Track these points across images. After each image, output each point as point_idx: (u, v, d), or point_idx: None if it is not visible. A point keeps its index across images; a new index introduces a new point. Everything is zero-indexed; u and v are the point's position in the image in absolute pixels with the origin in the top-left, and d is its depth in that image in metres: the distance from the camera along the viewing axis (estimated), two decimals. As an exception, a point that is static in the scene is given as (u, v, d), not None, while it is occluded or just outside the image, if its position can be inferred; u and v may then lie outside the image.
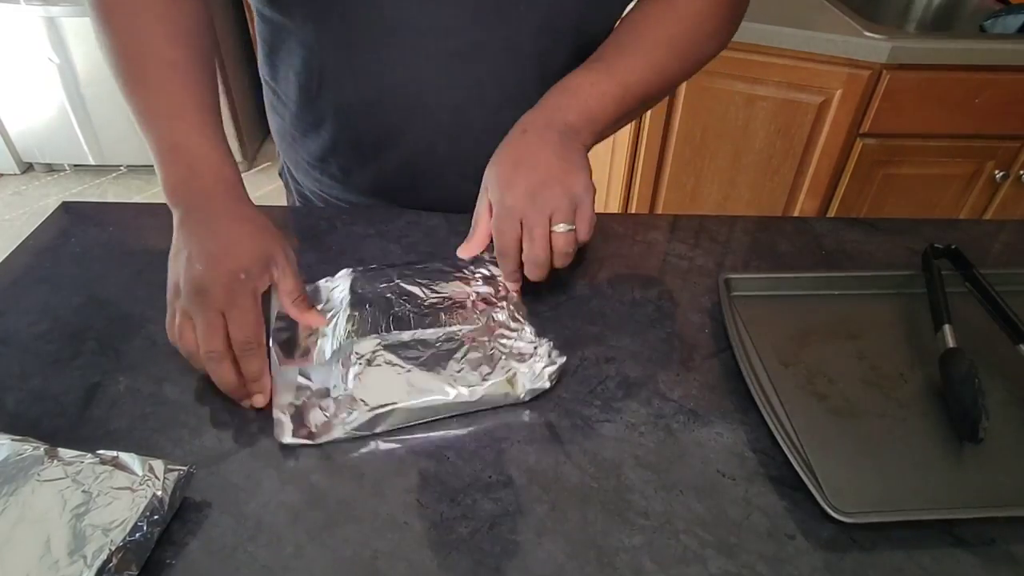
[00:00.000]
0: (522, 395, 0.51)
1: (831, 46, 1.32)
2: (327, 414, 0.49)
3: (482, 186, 0.59)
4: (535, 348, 0.53)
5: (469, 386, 0.50)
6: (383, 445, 0.48)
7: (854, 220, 0.76)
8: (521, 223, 0.55)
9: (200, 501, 0.44)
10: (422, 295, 0.58)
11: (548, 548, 0.42)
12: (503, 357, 0.52)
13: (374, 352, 0.51)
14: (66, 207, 0.73)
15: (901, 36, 1.33)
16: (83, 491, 0.41)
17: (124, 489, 0.41)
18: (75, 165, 2.63)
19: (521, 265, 0.57)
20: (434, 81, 0.65)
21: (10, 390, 0.51)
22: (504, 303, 0.57)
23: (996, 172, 1.45)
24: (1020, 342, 0.56)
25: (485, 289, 0.59)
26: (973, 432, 0.48)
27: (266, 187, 2.50)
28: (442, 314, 0.56)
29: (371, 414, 0.48)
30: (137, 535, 0.39)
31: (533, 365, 0.52)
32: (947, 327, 0.55)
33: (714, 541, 0.43)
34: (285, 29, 0.66)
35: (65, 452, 0.43)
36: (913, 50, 1.30)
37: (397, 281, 0.58)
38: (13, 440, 0.43)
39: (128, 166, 2.64)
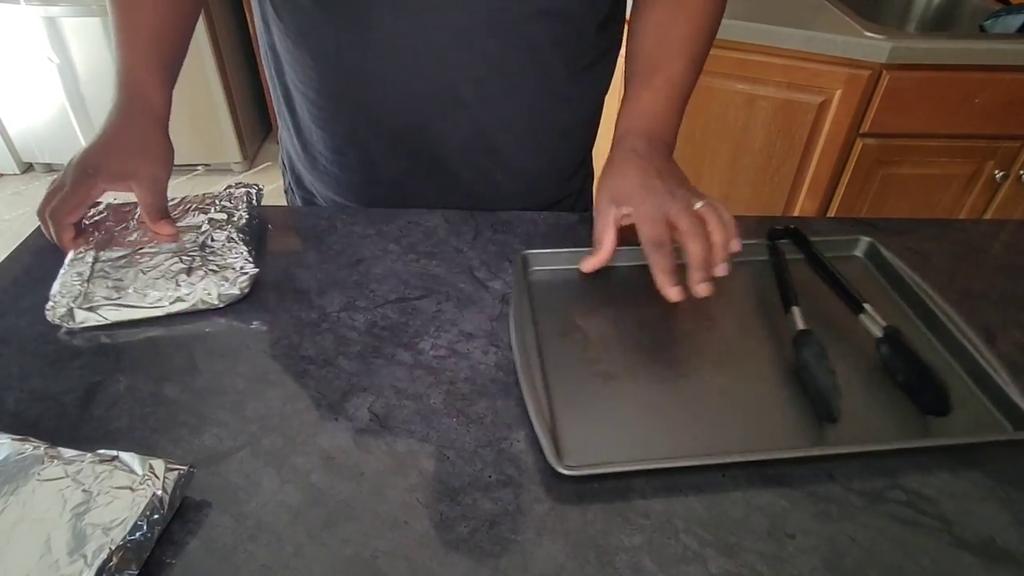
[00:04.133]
0: (218, 301, 0.59)
1: (831, 46, 1.32)
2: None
3: (603, 201, 0.61)
4: (231, 262, 0.61)
5: (161, 293, 0.58)
6: (383, 444, 0.48)
7: (854, 220, 0.76)
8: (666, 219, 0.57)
9: (200, 501, 0.44)
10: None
11: (548, 548, 0.42)
12: (204, 269, 0.60)
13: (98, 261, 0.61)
14: (66, 207, 0.72)
15: (901, 36, 1.33)
16: (83, 490, 0.41)
17: (124, 488, 0.41)
18: (75, 165, 2.63)
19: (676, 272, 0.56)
20: (454, 52, 0.65)
21: (10, 390, 0.51)
22: (231, 227, 0.65)
23: (996, 172, 1.45)
24: (860, 312, 0.57)
25: (220, 216, 0.67)
26: (829, 412, 0.49)
27: (266, 187, 2.50)
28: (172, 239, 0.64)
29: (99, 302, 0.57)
30: (137, 534, 0.39)
31: (227, 273, 0.60)
32: (795, 308, 0.57)
33: (714, 541, 0.43)
34: (300, 11, 0.65)
35: (65, 451, 0.43)
36: (913, 50, 1.30)
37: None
38: (13, 440, 0.44)
39: (128, 166, 2.64)
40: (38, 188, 2.55)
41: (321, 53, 0.67)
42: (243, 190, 0.71)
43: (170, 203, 0.67)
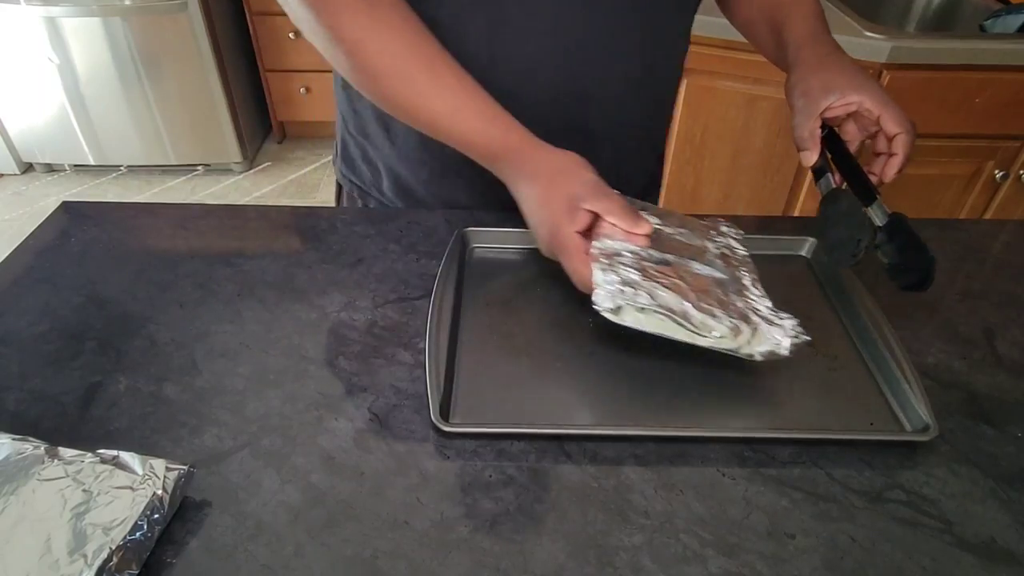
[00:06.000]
0: (755, 355, 0.52)
1: (831, 46, 1.32)
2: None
3: (816, 93, 0.64)
4: (780, 319, 0.54)
5: (715, 318, 0.51)
6: (383, 444, 0.48)
7: (854, 220, 0.76)
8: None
9: (200, 500, 0.44)
10: (667, 231, 0.61)
11: (548, 548, 0.42)
12: (750, 313, 0.54)
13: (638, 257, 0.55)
14: (66, 207, 0.73)
15: (901, 36, 1.33)
16: (83, 490, 0.41)
17: (124, 488, 0.41)
18: (75, 165, 2.63)
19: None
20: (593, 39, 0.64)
21: (10, 390, 0.52)
22: (746, 270, 0.59)
23: (996, 172, 1.45)
24: (871, 203, 0.60)
25: (726, 252, 0.61)
26: (853, 255, 0.56)
27: (265, 187, 2.50)
28: (691, 254, 0.59)
29: (650, 305, 0.51)
30: (137, 534, 0.39)
31: (775, 332, 0.53)
32: (829, 174, 0.63)
33: (714, 541, 0.43)
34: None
35: (65, 451, 0.43)
36: (913, 50, 1.30)
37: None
38: (13, 439, 0.44)
39: (128, 166, 2.64)
40: (38, 188, 2.55)
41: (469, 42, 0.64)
42: (729, 228, 0.65)
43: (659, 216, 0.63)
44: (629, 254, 0.54)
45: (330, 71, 0.70)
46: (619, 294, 0.51)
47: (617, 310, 0.51)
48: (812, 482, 0.47)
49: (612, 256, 0.54)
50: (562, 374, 0.55)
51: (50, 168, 2.64)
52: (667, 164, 1.60)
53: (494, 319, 0.60)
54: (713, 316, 0.52)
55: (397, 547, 0.42)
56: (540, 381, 0.54)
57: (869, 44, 1.30)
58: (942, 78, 1.33)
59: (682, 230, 0.62)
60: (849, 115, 0.64)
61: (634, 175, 0.80)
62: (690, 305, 0.52)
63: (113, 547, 0.38)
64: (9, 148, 2.52)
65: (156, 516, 0.40)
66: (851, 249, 0.56)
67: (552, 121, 0.67)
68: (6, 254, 0.65)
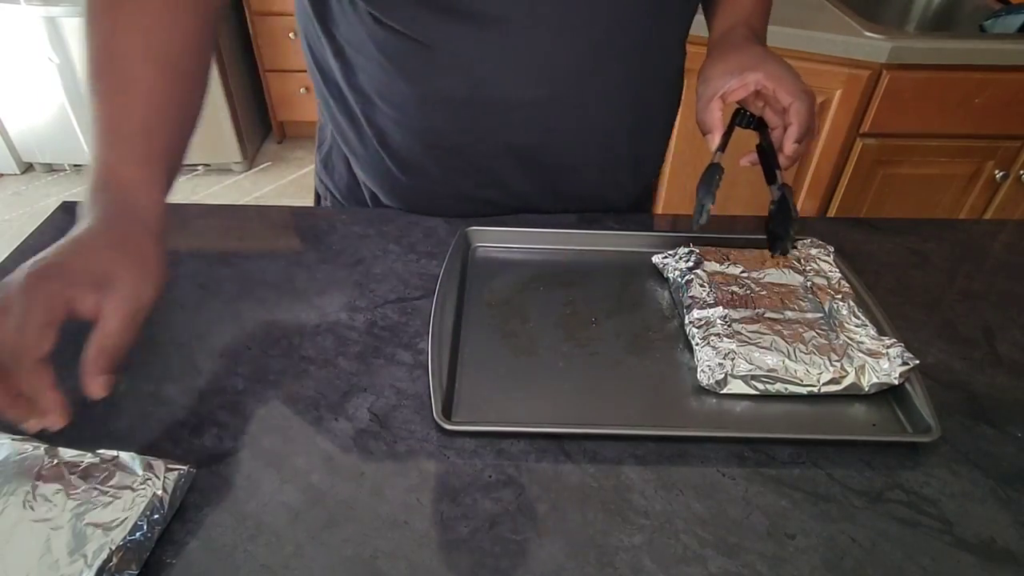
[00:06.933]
0: (866, 389, 0.52)
1: (831, 46, 1.32)
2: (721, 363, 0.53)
3: (717, 77, 0.64)
4: (886, 348, 0.53)
5: (818, 367, 0.52)
6: (383, 445, 0.48)
7: (854, 220, 0.76)
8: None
9: (200, 501, 0.44)
10: (754, 275, 0.62)
11: (548, 548, 0.42)
12: (853, 349, 0.54)
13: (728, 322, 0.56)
14: (66, 207, 0.73)
15: (901, 36, 1.33)
16: (83, 490, 0.41)
17: (124, 488, 0.41)
18: (75, 165, 2.63)
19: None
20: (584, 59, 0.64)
21: (10, 390, 0.51)
22: (840, 297, 0.59)
23: (996, 172, 1.45)
24: (772, 182, 0.61)
25: (819, 281, 0.61)
26: (698, 218, 0.59)
27: (265, 187, 2.50)
28: (781, 298, 0.60)
29: (750, 371, 0.52)
30: (137, 534, 0.39)
31: (881, 363, 0.52)
32: (719, 152, 0.64)
33: (714, 541, 0.43)
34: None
35: (65, 451, 0.43)
36: (913, 50, 1.30)
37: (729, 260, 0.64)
38: (13, 440, 0.44)
39: (128, 166, 2.64)
40: (38, 188, 2.55)
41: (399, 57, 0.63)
42: (818, 250, 0.65)
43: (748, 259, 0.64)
44: (720, 321, 0.56)
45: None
46: (719, 368, 0.52)
47: (721, 383, 0.52)
48: (812, 482, 0.47)
49: (705, 327, 0.55)
50: (563, 374, 0.55)
51: (50, 168, 2.64)
52: (667, 165, 1.61)
53: (496, 318, 0.60)
54: (815, 365, 0.52)
55: (397, 547, 0.42)
56: (541, 381, 0.54)
57: (869, 44, 1.30)
58: (942, 78, 1.33)
59: (769, 270, 0.62)
60: (766, 101, 0.64)
61: (622, 197, 0.79)
62: (790, 360, 0.52)
63: (113, 547, 0.38)
64: (9, 148, 2.52)
65: (156, 516, 0.40)
66: (696, 213, 0.60)
67: (535, 153, 0.69)
68: (6, 254, 0.65)
